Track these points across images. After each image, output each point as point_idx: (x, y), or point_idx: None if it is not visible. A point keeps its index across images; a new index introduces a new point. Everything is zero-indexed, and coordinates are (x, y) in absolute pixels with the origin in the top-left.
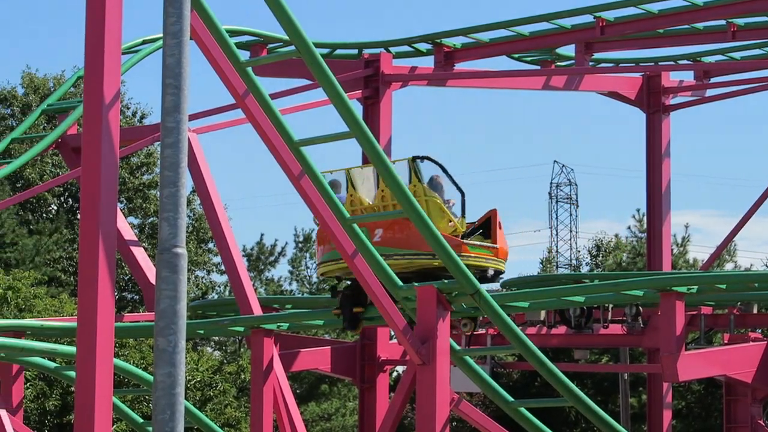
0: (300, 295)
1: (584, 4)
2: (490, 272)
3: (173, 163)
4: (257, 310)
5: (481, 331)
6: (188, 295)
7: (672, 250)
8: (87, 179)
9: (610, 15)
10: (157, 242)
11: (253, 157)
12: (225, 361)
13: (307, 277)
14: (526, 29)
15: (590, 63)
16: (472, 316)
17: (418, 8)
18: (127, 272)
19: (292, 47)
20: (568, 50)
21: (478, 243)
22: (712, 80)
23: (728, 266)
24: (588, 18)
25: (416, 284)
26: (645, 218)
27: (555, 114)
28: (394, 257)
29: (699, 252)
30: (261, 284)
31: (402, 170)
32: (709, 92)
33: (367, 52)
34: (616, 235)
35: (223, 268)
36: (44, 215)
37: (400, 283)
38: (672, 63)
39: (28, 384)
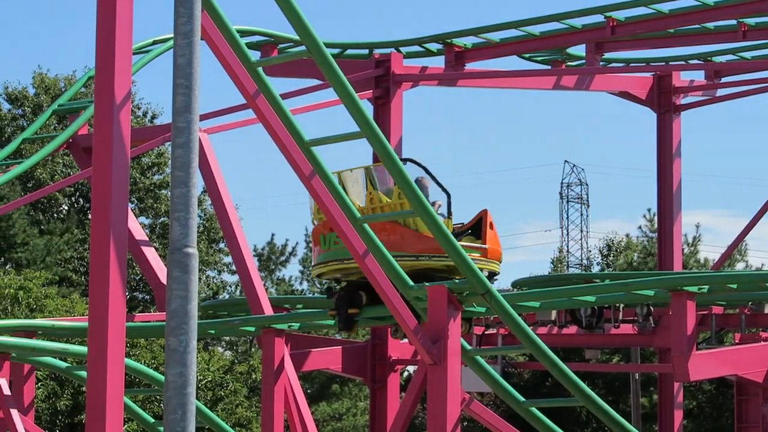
0: (311, 295)
1: (595, 4)
2: (485, 273)
3: (184, 163)
4: (268, 310)
5: (492, 331)
6: (199, 295)
7: (683, 249)
8: (98, 179)
9: (620, 15)
10: (168, 242)
11: (263, 157)
12: (236, 361)
13: None
14: (536, 29)
15: (601, 63)
16: (466, 317)
17: (429, 8)
18: (138, 272)
19: (303, 47)
20: (579, 50)
21: (465, 244)
22: (723, 80)
23: (739, 266)
24: (599, 18)
25: (427, 284)
26: (656, 218)
27: (566, 114)
28: None
29: (710, 252)
30: (272, 284)
31: (385, 172)
32: (720, 92)
33: (377, 52)
34: (627, 235)
35: (234, 268)
36: (55, 215)
37: (411, 282)
38: (683, 63)
39: (39, 384)
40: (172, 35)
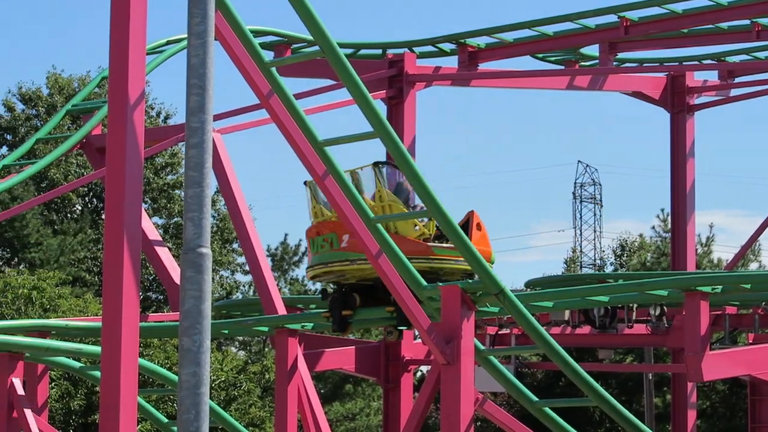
0: None
1: (608, 3)
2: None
3: (198, 163)
4: (281, 310)
5: (506, 331)
6: (213, 295)
7: (696, 249)
8: (111, 179)
9: (634, 15)
10: (182, 242)
11: (277, 157)
12: (249, 361)
13: None
14: (550, 29)
15: (614, 63)
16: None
17: (442, 8)
18: (152, 272)
19: (317, 47)
20: (592, 50)
21: (446, 245)
22: (737, 80)
23: (753, 266)
24: (612, 18)
25: (440, 284)
26: (669, 218)
27: (579, 114)
28: (357, 262)
29: (723, 252)
30: (285, 284)
31: (368, 176)
32: (734, 92)
33: (391, 52)
34: (641, 235)
35: (247, 268)
36: (69, 215)
37: (424, 282)
38: (696, 63)
39: (53, 384)
40: (185, 35)
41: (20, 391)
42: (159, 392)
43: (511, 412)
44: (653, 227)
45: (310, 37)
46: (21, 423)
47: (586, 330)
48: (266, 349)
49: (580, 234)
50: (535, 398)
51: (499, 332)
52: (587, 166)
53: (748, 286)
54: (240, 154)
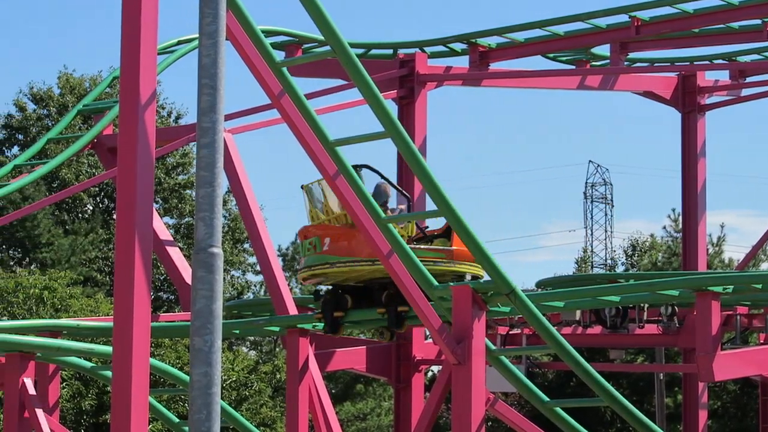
0: None
1: (619, 3)
2: (451, 275)
3: (209, 163)
4: (293, 310)
5: (517, 331)
6: (224, 295)
7: (707, 249)
8: (123, 179)
9: (645, 15)
10: (193, 242)
11: (288, 157)
12: (260, 361)
13: None
14: (561, 29)
15: (625, 63)
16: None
17: (453, 8)
18: (163, 272)
19: (328, 47)
20: (604, 50)
21: (425, 246)
22: (748, 80)
23: (764, 266)
24: (623, 18)
25: (452, 284)
26: (680, 218)
27: (590, 114)
28: (337, 265)
29: (734, 252)
30: (296, 284)
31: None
32: (745, 92)
33: (402, 52)
34: (652, 235)
35: (258, 268)
36: (80, 215)
37: (435, 282)
38: (707, 62)
39: (64, 383)
40: (196, 35)
41: (32, 390)
42: (170, 392)
43: (522, 412)
44: (664, 227)
45: (322, 37)
46: (32, 423)
47: (597, 330)
48: (277, 349)
49: (591, 234)
50: (546, 398)
51: (510, 332)
52: (598, 165)
53: (759, 286)
54: (251, 154)
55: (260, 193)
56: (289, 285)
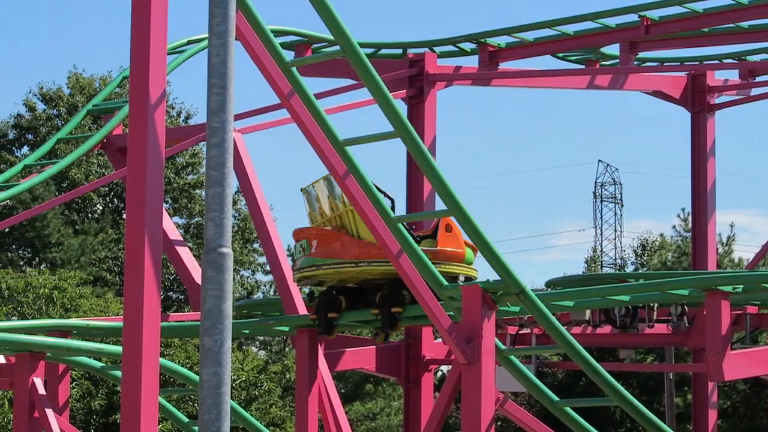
0: None
1: (629, 3)
2: (460, 278)
3: (219, 163)
4: (302, 310)
5: (526, 330)
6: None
7: (717, 249)
8: (132, 179)
9: (654, 14)
10: (203, 242)
11: (298, 156)
12: (270, 361)
13: None
14: (570, 28)
15: (635, 62)
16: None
17: (463, 8)
18: (173, 272)
19: (337, 47)
20: (613, 49)
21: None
22: (758, 79)
23: None
24: (632, 17)
25: (461, 283)
26: (690, 217)
27: (599, 113)
28: (323, 267)
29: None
30: None
31: (333, 182)
32: (754, 91)
33: (411, 51)
34: (661, 235)
35: (268, 267)
36: (90, 215)
37: (445, 282)
38: (717, 62)
39: (74, 383)
40: (206, 35)
41: (41, 390)
42: (180, 392)
43: (532, 411)
44: (674, 226)
45: (331, 37)
46: (42, 423)
47: (606, 329)
48: (287, 349)
49: (601, 233)
50: (555, 398)
51: (520, 332)
52: (608, 165)
53: None
54: (261, 153)
55: (270, 193)
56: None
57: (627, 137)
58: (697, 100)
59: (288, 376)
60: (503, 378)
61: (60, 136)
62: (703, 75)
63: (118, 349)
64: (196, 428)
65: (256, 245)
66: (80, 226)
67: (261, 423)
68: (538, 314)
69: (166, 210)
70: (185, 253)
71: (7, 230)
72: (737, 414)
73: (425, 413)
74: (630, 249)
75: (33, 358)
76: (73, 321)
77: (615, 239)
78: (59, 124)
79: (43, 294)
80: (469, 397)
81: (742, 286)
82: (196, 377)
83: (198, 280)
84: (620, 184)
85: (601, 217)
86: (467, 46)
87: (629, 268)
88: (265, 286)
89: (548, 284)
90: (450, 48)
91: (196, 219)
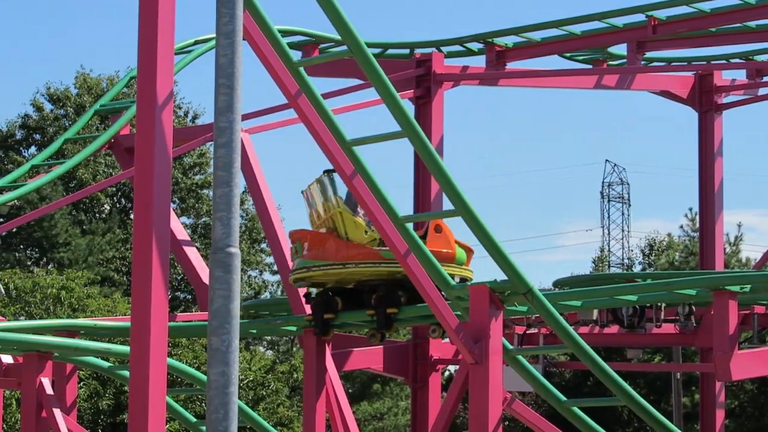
0: None
1: (636, 3)
2: (456, 279)
3: (226, 163)
4: (309, 310)
5: (534, 330)
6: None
7: (725, 249)
8: (140, 179)
9: (662, 14)
10: (210, 242)
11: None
12: (277, 361)
13: None
14: (577, 28)
15: (642, 62)
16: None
17: (470, 8)
18: (180, 272)
19: (344, 47)
20: (620, 49)
21: None
22: (765, 79)
23: None
24: (640, 17)
25: (469, 283)
26: (697, 217)
27: (607, 113)
28: (313, 268)
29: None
30: None
31: (324, 184)
32: (762, 91)
33: (418, 51)
34: (669, 234)
35: (275, 267)
36: (97, 215)
37: (453, 282)
38: (724, 62)
39: (81, 383)
40: (213, 35)
41: (49, 390)
42: (187, 392)
43: (540, 411)
44: (681, 226)
45: (338, 37)
46: (50, 422)
47: (614, 329)
48: (294, 349)
49: (608, 233)
50: (563, 398)
51: (528, 332)
52: (615, 165)
53: None
54: (268, 153)
55: (277, 192)
56: None
57: (634, 137)
58: (705, 100)
59: (295, 375)
60: (511, 378)
61: (67, 136)
62: (711, 75)
63: (126, 349)
64: (204, 428)
65: (263, 245)
66: (88, 226)
67: (268, 423)
68: (545, 314)
69: (174, 210)
70: (193, 253)
71: (14, 230)
72: (745, 414)
73: (433, 413)
74: (637, 249)
75: (41, 358)
76: (81, 321)
77: (622, 239)
78: (67, 125)
79: (50, 294)
80: (477, 396)
81: (749, 286)
82: (204, 377)
83: (205, 280)
84: (627, 183)
85: (609, 217)
86: (474, 46)
87: (637, 268)
88: (272, 286)
89: (556, 284)
90: (457, 48)
91: (203, 219)
